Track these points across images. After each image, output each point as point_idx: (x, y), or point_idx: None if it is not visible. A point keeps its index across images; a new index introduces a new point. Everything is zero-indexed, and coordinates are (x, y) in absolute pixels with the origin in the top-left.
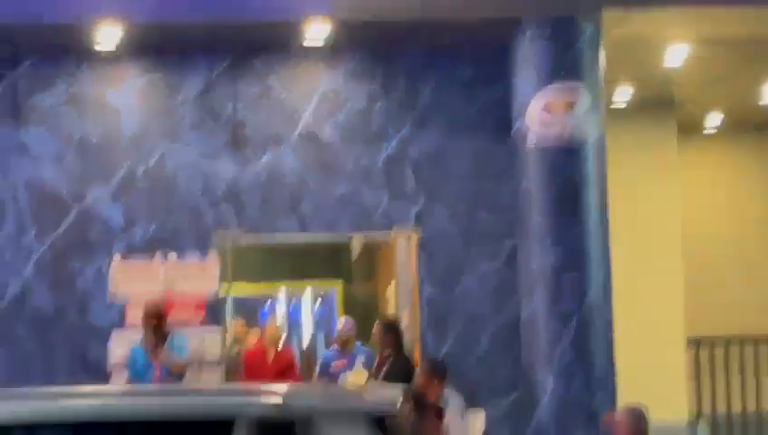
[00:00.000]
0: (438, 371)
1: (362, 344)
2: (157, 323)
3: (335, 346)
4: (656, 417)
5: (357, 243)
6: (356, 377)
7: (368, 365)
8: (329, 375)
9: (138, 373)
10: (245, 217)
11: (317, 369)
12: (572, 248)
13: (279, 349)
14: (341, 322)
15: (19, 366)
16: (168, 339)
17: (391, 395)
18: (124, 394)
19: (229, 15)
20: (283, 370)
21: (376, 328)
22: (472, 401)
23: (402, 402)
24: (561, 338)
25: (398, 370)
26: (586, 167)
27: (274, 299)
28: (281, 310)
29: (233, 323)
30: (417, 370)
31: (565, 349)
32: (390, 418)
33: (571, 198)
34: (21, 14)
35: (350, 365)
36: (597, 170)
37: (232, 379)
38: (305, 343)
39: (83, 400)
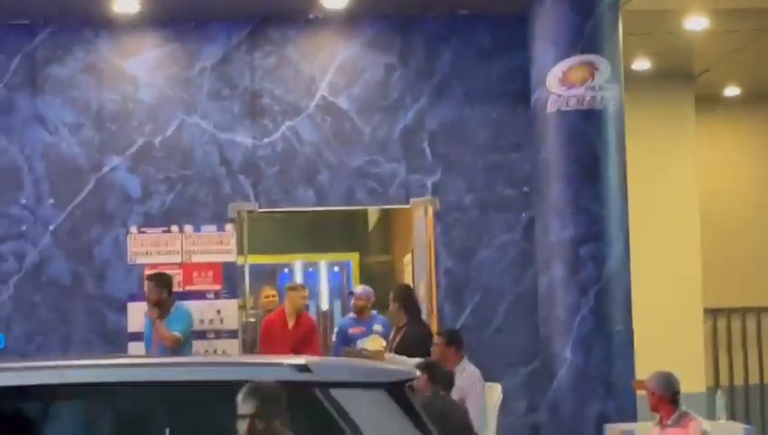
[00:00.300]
0: (455, 341)
1: (379, 313)
2: (157, 295)
3: (352, 314)
4: None
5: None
6: (371, 343)
7: (384, 334)
8: (346, 341)
9: (145, 343)
10: (262, 188)
11: (334, 336)
12: (591, 219)
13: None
14: (358, 289)
15: (37, 336)
16: (171, 311)
17: (410, 363)
18: (142, 364)
19: None
20: (303, 338)
21: (391, 297)
22: (489, 373)
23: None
24: (580, 309)
25: (414, 337)
26: (605, 137)
27: (291, 270)
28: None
29: (263, 290)
30: (435, 339)
31: (584, 319)
32: (410, 386)
33: (590, 168)
34: None
35: (367, 333)
36: (616, 141)
37: (250, 348)
38: (321, 315)
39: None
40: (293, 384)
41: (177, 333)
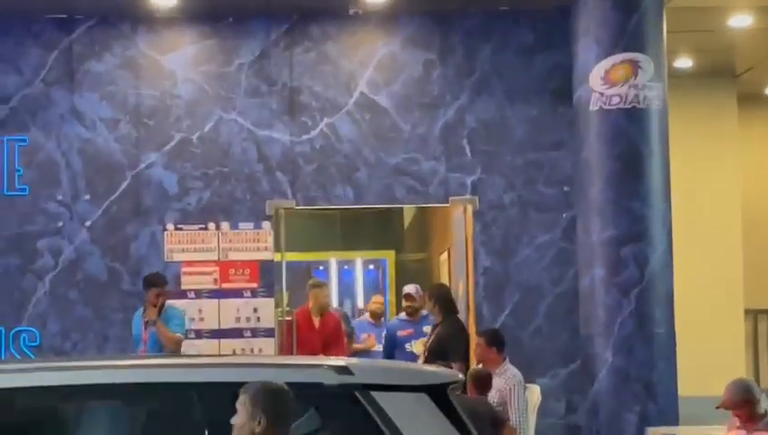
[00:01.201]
0: (496, 341)
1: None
2: (156, 295)
3: (402, 314)
4: (714, 390)
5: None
6: (419, 347)
7: None
8: (394, 344)
9: (134, 339)
10: (300, 185)
11: (383, 337)
12: (633, 219)
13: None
14: (408, 288)
15: (72, 333)
16: (163, 312)
17: (450, 371)
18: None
19: None
20: (331, 337)
21: (426, 297)
22: (528, 373)
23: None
24: (621, 309)
25: (447, 336)
26: (648, 136)
27: (327, 268)
28: (333, 279)
29: (322, 289)
30: (476, 339)
31: (625, 320)
32: (451, 390)
33: (632, 167)
34: None
35: (417, 335)
36: (659, 140)
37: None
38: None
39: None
40: (334, 387)
41: (179, 335)
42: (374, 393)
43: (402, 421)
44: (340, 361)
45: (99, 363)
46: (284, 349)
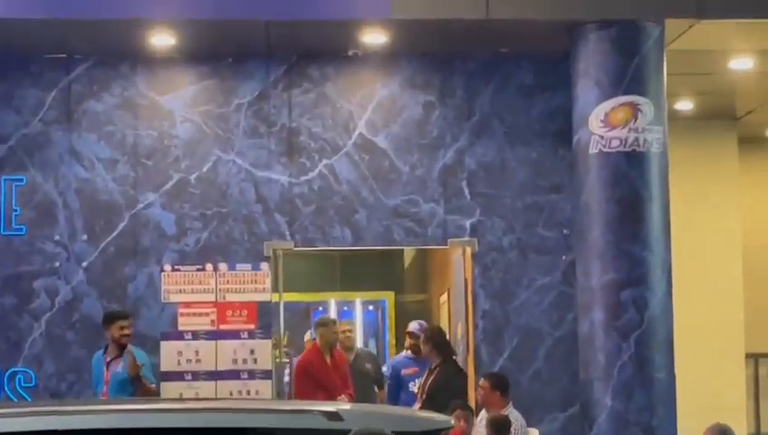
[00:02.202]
0: (500, 385)
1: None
2: (117, 334)
3: (408, 352)
4: None
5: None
6: None
7: None
8: (399, 382)
9: (94, 380)
10: (298, 226)
11: (387, 376)
12: (633, 262)
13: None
14: (413, 325)
15: (68, 374)
16: (125, 353)
17: (443, 416)
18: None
19: (285, 19)
20: (345, 374)
21: (422, 340)
22: (527, 417)
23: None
24: (621, 353)
25: (446, 377)
26: (648, 179)
27: (326, 308)
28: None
29: (339, 325)
30: (480, 382)
31: (624, 364)
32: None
33: (632, 211)
34: (75, 18)
35: (422, 373)
36: (659, 183)
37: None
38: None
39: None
40: (324, 432)
41: (154, 386)
42: None
43: None
44: (330, 406)
45: (86, 408)
46: (302, 392)
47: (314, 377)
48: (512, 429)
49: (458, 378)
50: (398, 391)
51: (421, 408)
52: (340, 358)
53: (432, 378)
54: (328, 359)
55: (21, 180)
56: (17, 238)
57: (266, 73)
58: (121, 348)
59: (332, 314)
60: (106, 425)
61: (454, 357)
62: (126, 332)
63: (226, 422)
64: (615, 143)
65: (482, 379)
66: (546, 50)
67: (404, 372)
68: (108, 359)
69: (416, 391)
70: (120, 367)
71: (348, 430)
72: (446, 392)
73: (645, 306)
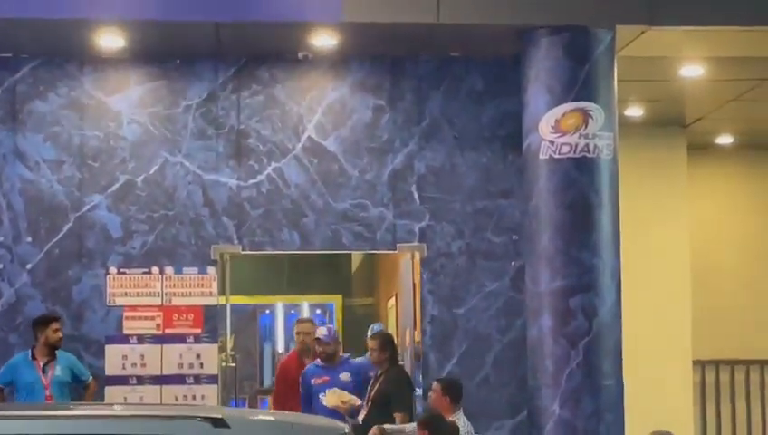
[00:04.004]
0: (451, 391)
1: (351, 358)
2: (53, 336)
3: (317, 360)
4: None
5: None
6: (330, 399)
7: (355, 382)
8: (309, 392)
9: (22, 385)
10: (246, 230)
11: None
12: (582, 269)
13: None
14: (321, 332)
15: None
16: (62, 359)
17: (336, 423)
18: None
19: (234, 21)
20: None
21: (372, 343)
22: (474, 424)
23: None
24: (570, 360)
25: (393, 382)
26: (598, 186)
27: (273, 312)
28: (279, 323)
29: (305, 324)
30: (433, 385)
31: (573, 372)
32: None
33: (582, 217)
34: (20, 17)
35: (333, 383)
36: (609, 190)
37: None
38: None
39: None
40: None
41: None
42: None
43: None
44: (217, 412)
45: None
46: (278, 401)
47: (291, 383)
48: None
49: (406, 385)
50: (309, 402)
51: (367, 415)
52: (286, 367)
53: (378, 384)
54: (308, 362)
55: None
56: None
57: (215, 75)
58: (53, 350)
59: (280, 317)
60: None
61: (400, 363)
62: (60, 334)
63: (94, 430)
64: (565, 149)
65: (435, 382)
66: (497, 55)
67: (314, 381)
68: (42, 363)
69: (325, 402)
70: (58, 370)
71: None
72: (393, 399)
73: (594, 313)
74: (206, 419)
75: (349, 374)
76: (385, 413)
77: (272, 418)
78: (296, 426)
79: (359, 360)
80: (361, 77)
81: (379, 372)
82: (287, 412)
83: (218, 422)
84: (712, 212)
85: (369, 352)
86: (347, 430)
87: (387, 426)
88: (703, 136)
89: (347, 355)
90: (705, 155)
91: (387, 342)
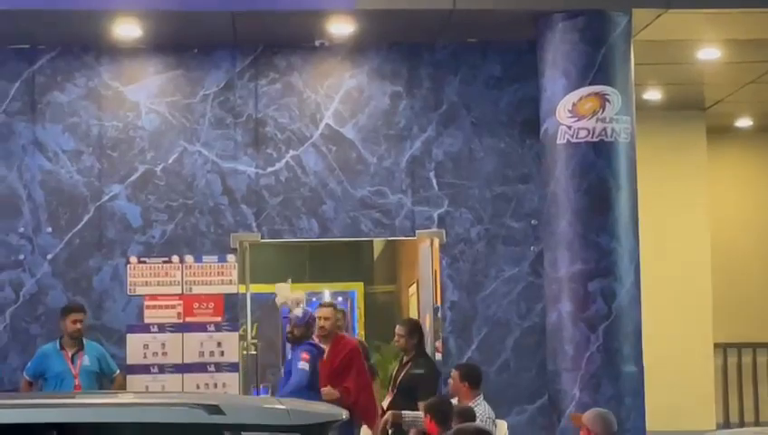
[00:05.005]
0: (469, 377)
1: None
2: (71, 327)
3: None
4: (683, 425)
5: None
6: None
7: (311, 361)
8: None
9: (52, 375)
10: (265, 218)
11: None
12: (601, 253)
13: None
14: (296, 313)
15: None
16: (91, 349)
17: (333, 409)
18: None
19: (250, 9)
20: (340, 366)
21: (400, 329)
22: (495, 409)
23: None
24: (589, 345)
25: (422, 370)
26: (616, 169)
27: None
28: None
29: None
30: (451, 372)
31: (593, 356)
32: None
33: (600, 201)
34: (38, 8)
35: (294, 358)
36: (627, 173)
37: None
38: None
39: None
40: (203, 427)
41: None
42: (246, 434)
43: None
44: (212, 399)
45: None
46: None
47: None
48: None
49: (433, 373)
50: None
51: (392, 401)
52: (341, 348)
53: (405, 371)
54: (327, 347)
55: None
56: None
57: (232, 64)
58: (77, 340)
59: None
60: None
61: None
62: (78, 325)
63: (92, 418)
64: (583, 133)
65: (453, 369)
66: (513, 40)
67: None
68: (70, 353)
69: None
70: (86, 360)
71: (231, 425)
72: (420, 387)
73: (613, 297)
74: (201, 405)
75: (308, 353)
76: (410, 400)
77: (268, 404)
78: (293, 412)
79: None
80: (378, 64)
81: (406, 359)
82: (285, 399)
83: (213, 409)
84: (732, 195)
85: (395, 339)
86: (344, 416)
87: (404, 412)
88: (722, 119)
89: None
90: (725, 138)
91: (414, 328)
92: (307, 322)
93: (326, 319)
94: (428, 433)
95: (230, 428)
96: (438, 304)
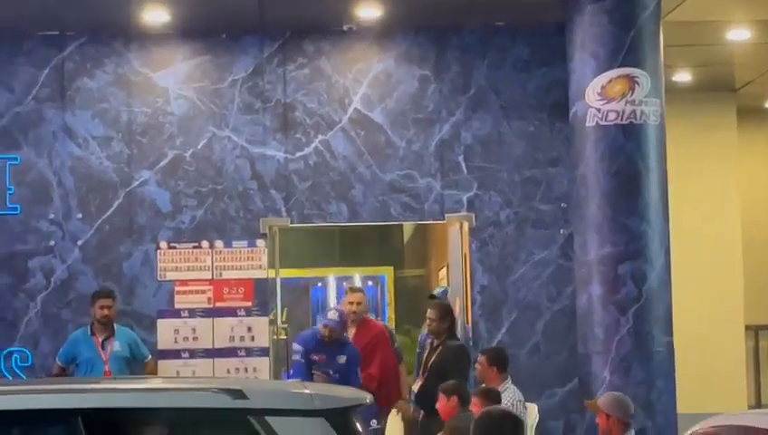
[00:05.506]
0: (497, 360)
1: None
2: (99, 313)
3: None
4: (714, 407)
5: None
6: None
7: (347, 365)
8: (307, 364)
9: (82, 361)
10: (294, 203)
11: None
12: (631, 236)
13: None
14: (331, 315)
15: None
16: (122, 335)
17: (357, 393)
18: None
19: None
20: (364, 351)
21: (431, 313)
22: (525, 392)
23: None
24: (619, 327)
25: (452, 355)
26: (645, 152)
27: (325, 284)
28: (331, 295)
29: (351, 294)
30: (479, 357)
31: (623, 338)
32: (355, 413)
33: (630, 184)
34: None
35: (330, 361)
36: (656, 156)
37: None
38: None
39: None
40: (227, 411)
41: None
42: (269, 418)
43: None
44: (235, 383)
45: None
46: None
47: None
48: (505, 405)
49: (465, 357)
50: (304, 372)
51: (423, 385)
52: (366, 333)
53: (436, 355)
54: (351, 333)
55: (15, 159)
56: (12, 218)
57: (260, 49)
58: (107, 326)
59: (332, 289)
60: None
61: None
62: (106, 311)
63: (117, 403)
64: (612, 116)
65: (480, 354)
66: (542, 23)
67: (313, 356)
68: (101, 338)
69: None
70: (117, 346)
71: (255, 409)
72: (451, 370)
73: (643, 280)
74: (224, 390)
75: (345, 357)
76: (441, 384)
77: (292, 389)
78: (316, 396)
79: (352, 345)
80: (406, 48)
81: (436, 343)
82: (309, 383)
83: (237, 393)
84: (762, 175)
85: (427, 322)
86: (368, 400)
87: None
88: (752, 100)
89: (347, 337)
90: (755, 119)
91: (446, 312)
92: (344, 322)
93: (357, 303)
94: (443, 413)
95: (253, 412)
96: (468, 287)
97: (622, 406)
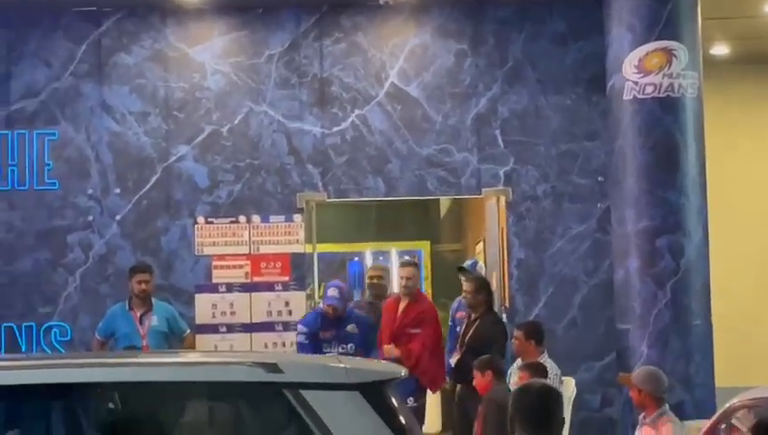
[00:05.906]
0: (534, 334)
1: (353, 308)
2: (136, 287)
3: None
4: (753, 381)
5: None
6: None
7: (361, 334)
8: (317, 343)
9: (120, 336)
10: (331, 177)
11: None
12: (668, 209)
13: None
14: (331, 293)
15: None
16: (160, 309)
17: (392, 367)
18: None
19: None
20: (411, 324)
21: (467, 286)
22: (562, 366)
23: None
24: (657, 301)
25: (490, 329)
26: (683, 125)
27: (362, 259)
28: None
29: (404, 268)
30: (515, 332)
31: (660, 312)
32: (392, 384)
33: (667, 157)
34: None
35: (340, 334)
36: (694, 129)
37: None
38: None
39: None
40: (262, 385)
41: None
42: (304, 392)
43: (333, 421)
44: (271, 357)
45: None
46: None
47: (384, 322)
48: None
49: (501, 331)
50: (314, 352)
51: (461, 359)
52: (415, 307)
53: (474, 329)
54: (402, 306)
55: (53, 134)
56: (50, 193)
57: (297, 24)
58: (144, 301)
59: (368, 264)
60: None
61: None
62: (143, 286)
63: (152, 377)
64: (649, 89)
65: (516, 329)
66: None
67: (322, 334)
68: (139, 313)
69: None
70: (155, 320)
71: (289, 383)
72: (488, 344)
73: (681, 253)
74: (259, 364)
75: (355, 325)
76: (478, 358)
77: (326, 362)
78: (350, 371)
79: (356, 313)
80: (443, 22)
81: (474, 317)
82: (343, 357)
83: (271, 367)
84: None
85: (463, 295)
86: (403, 374)
87: None
88: None
89: (350, 306)
90: None
91: (482, 285)
92: (346, 297)
93: (408, 278)
94: (480, 389)
95: (288, 386)
96: (505, 262)
97: (654, 380)
